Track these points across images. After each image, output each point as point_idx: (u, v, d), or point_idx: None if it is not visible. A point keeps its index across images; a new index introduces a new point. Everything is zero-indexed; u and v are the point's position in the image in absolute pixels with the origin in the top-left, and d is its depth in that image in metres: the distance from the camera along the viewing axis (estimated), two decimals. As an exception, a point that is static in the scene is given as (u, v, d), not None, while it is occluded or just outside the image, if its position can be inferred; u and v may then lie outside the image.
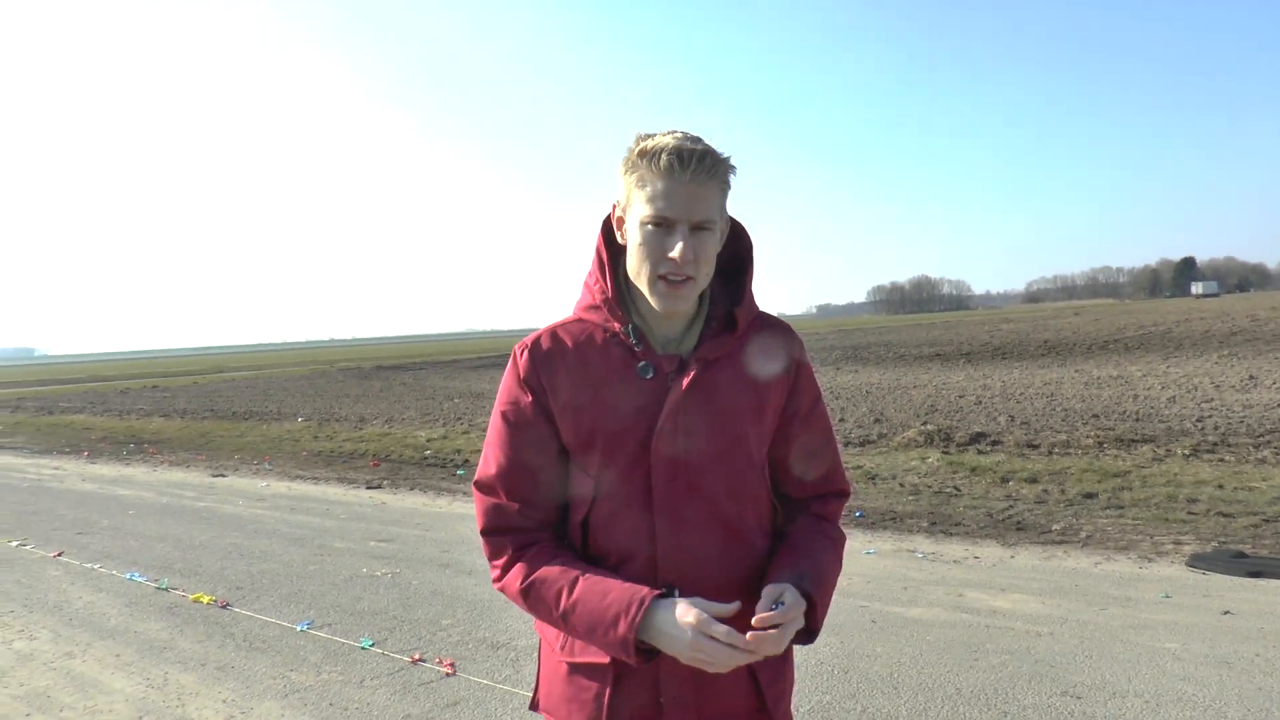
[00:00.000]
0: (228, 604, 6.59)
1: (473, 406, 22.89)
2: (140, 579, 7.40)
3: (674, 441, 1.70)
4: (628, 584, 1.62)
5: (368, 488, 11.93)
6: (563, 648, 1.77)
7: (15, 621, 6.42)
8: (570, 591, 1.65)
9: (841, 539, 1.89)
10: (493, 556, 1.77)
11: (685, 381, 1.71)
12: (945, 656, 4.97)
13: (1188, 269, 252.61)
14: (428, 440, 16.01)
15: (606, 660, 1.70)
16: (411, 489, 11.68)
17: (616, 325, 1.75)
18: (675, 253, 1.63)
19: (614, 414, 1.71)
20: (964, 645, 5.12)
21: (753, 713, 1.77)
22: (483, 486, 1.78)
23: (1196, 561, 6.49)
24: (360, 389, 34.00)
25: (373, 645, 5.56)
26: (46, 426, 24.94)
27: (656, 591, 1.61)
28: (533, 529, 1.76)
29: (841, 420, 15.45)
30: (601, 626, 1.60)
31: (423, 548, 8.15)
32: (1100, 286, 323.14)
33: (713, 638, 1.52)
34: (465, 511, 9.90)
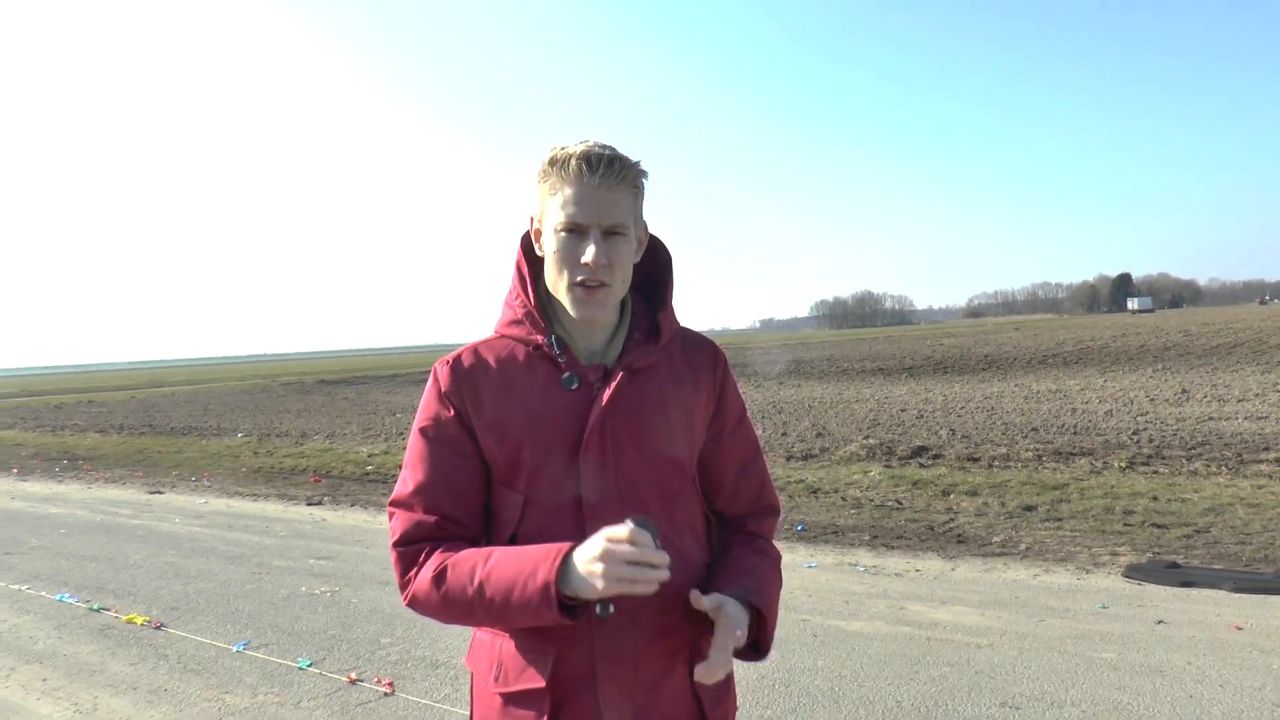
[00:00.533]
0: (162, 625, 6.44)
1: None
2: (71, 600, 7.22)
3: (602, 451, 1.67)
4: (544, 545, 1.59)
5: (308, 504, 11.76)
6: (496, 679, 1.71)
7: (-63, 645, 6.23)
8: (485, 563, 1.60)
9: (778, 557, 1.88)
10: (404, 567, 1.68)
11: (610, 390, 1.69)
12: (886, 669, 4.99)
13: (1124, 285, 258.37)
14: (369, 456, 15.83)
15: (542, 684, 1.64)
16: (352, 505, 11.53)
17: (539, 338, 1.73)
18: (588, 257, 1.62)
19: (540, 426, 1.68)
20: (905, 658, 5.15)
21: None
22: (400, 504, 1.72)
23: (1132, 572, 6.60)
24: (302, 404, 33.57)
25: (310, 665, 5.47)
26: (-25, 443, 24.30)
27: (575, 544, 1.56)
28: (450, 538, 1.69)
29: (784, 434, 15.54)
30: (520, 582, 1.55)
31: (363, 565, 8.04)
32: (1040, 302, 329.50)
33: (621, 542, 1.48)
34: (407, 528, 9.78)
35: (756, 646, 1.72)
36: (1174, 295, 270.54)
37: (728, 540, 1.85)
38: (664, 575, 1.50)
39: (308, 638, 6.03)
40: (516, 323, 1.76)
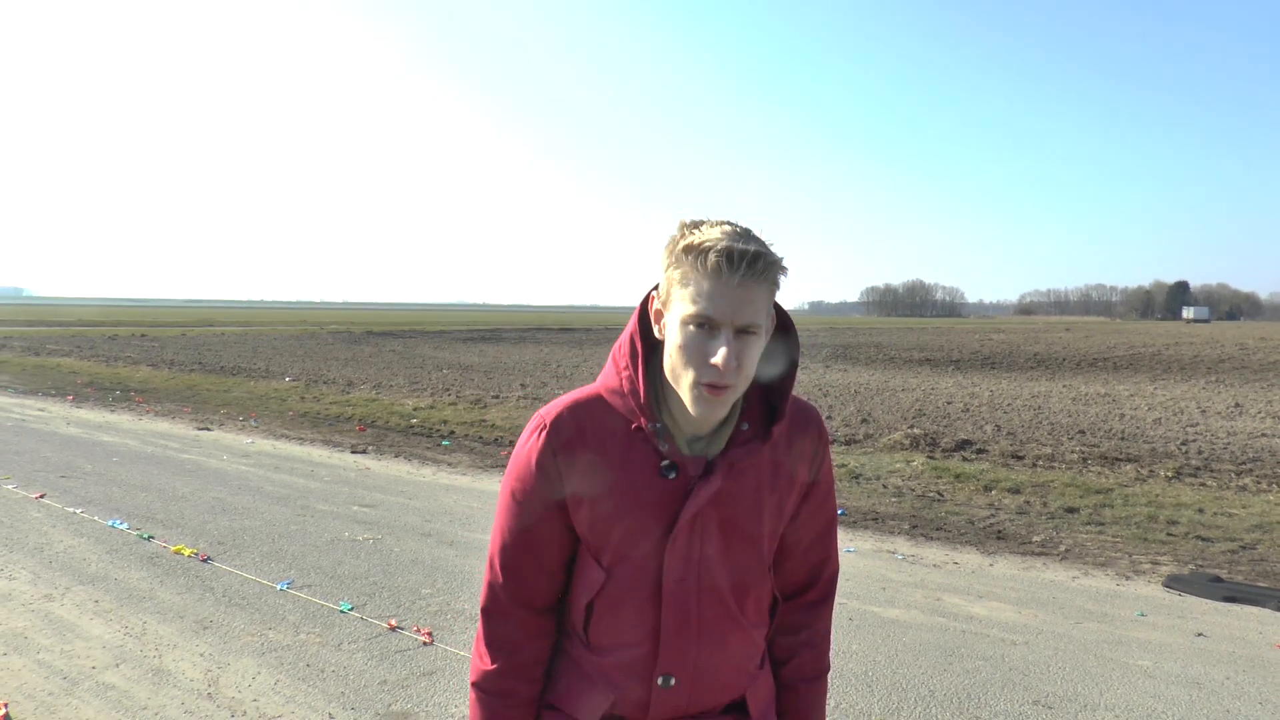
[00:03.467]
0: (209, 558, 6.60)
1: (461, 379, 22.88)
2: (122, 527, 7.40)
3: (689, 545, 1.67)
4: None
5: (352, 452, 11.93)
6: (549, 687, 1.82)
7: (-5, 560, 6.42)
8: None
9: (828, 663, 1.94)
10: (483, 636, 1.78)
11: (708, 490, 1.65)
12: (920, 658, 5.01)
13: (1180, 293, 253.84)
14: (415, 409, 16.01)
15: None
16: (396, 456, 11.68)
17: (643, 420, 1.65)
18: (718, 358, 1.52)
19: (633, 512, 1.66)
20: (939, 649, 5.16)
21: None
22: (491, 562, 1.78)
23: (1173, 583, 6.55)
24: (349, 353, 33.95)
25: (351, 609, 5.58)
26: (32, 367, 24.83)
27: None
28: (525, 621, 1.76)
29: (829, 418, 15.49)
30: None
31: (405, 516, 8.16)
32: (1093, 303, 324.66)
33: None
34: (450, 483, 9.92)
35: None
36: (1232, 307, 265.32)
37: (789, 625, 1.90)
38: None
39: (349, 582, 6.14)
40: (622, 395, 1.69)
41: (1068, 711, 4.36)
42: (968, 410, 17.30)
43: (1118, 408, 18.21)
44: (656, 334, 1.66)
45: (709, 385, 1.54)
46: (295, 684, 4.48)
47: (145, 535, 7.15)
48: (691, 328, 1.54)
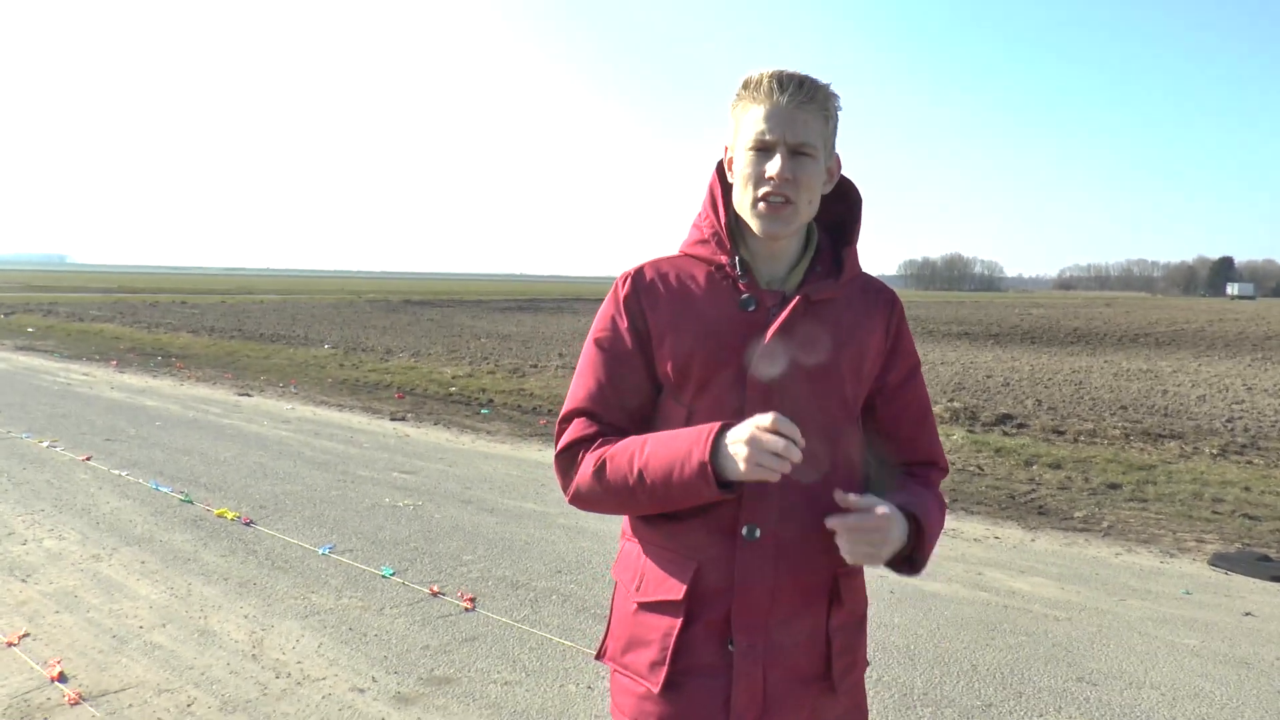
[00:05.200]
0: (251, 521, 6.67)
1: (499, 348, 22.96)
2: (166, 490, 7.49)
3: (769, 372, 1.69)
4: (696, 427, 1.65)
5: (392, 419, 12.00)
6: (637, 588, 1.76)
7: (46, 520, 6.53)
8: (642, 451, 1.66)
9: (944, 504, 1.87)
10: (563, 470, 1.77)
11: (785, 316, 1.70)
12: (963, 633, 4.97)
13: (1225, 269, 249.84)
14: (453, 377, 16.08)
15: (679, 597, 1.69)
16: (435, 424, 11.74)
17: (723, 258, 1.75)
18: (773, 170, 1.64)
19: (713, 342, 1.71)
20: (981, 623, 5.13)
21: (819, 678, 1.75)
22: (568, 416, 1.79)
23: (1219, 561, 6.46)
24: (387, 321, 34.16)
25: (393, 575, 5.62)
26: (76, 333, 25.20)
27: (728, 422, 1.62)
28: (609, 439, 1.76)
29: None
30: (677, 464, 1.61)
31: (445, 483, 8.21)
32: (1134, 279, 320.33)
33: (769, 431, 1.53)
34: (489, 450, 9.96)
35: (912, 561, 1.74)
36: (1279, 283, 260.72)
37: (891, 475, 1.87)
38: (786, 468, 1.53)
39: (390, 547, 6.19)
40: (703, 242, 1.79)
41: (1113, 689, 4.31)
42: (1008, 384, 17.14)
43: (1160, 384, 17.96)
44: (729, 177, 1.77)
45: (767, 200, 1.67)
46: (338, 647, 4.52)
47: (188, 498, 7.24)
48: (752, 152, 1.68)
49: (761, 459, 1.52)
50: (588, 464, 1.72)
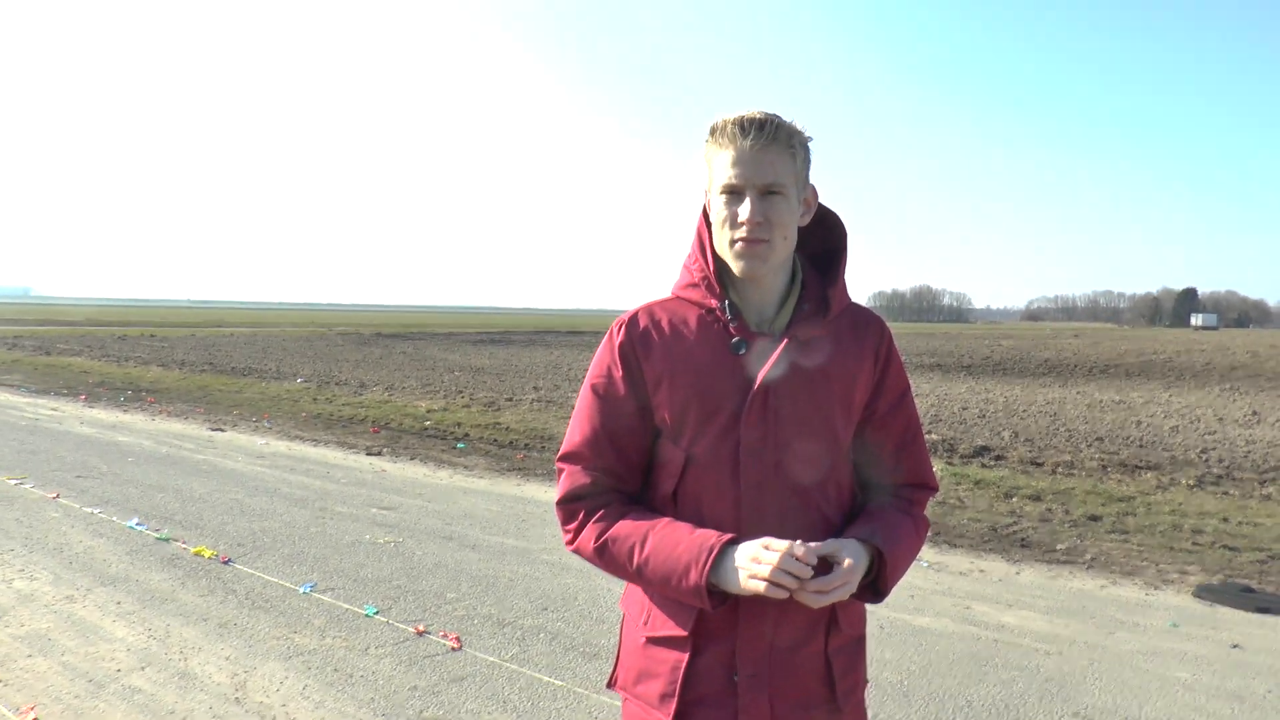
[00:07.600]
0: (229, 560, 6.54)
1: (473, 381, 22.83)
2: (141, 528, 7.35)
3: (763, 415, 1.75)
4: (696, 533, 1.71)
5: (368, 454, 11.87)
6: (644, 622, 1.83)
7: (16, 560, 6.38)
8: (642, 548, 1.73)
9: (925, 525, 1.95)
10: (565, 521, 1.84)
11: (775, 357, 1.76)
12: (955, 668, 4.94)
13: (1189, 300, 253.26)
14: (428, 411, 15.96)
15: (685, 633, 1.76)
16: (412, 459, 11.62)
17: (713, 301, 1.81)
18: (744, 215, 1.70)
19: (707, 387, 1.77)
20: (972, 658, 5.09)
21: (824, 702, 1.81)
22: (567, 459, 1.85)
23: (1204, 592, 6.46)
24: (359, 354, 33.94)
25: (377, 613, 5.52)
26: (44, 367, 24.84)
27: (726, 537, 1.68)
28: (608, 493, 1.83)
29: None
30: (675, 577, 1.69)
31: (425, 519, 8.11)
32: (1100, 310, 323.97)
33: (768, 549, 1.62)
34: (467, 485, 9.86)
35: (875, 587, 1.80)
36: (1240, 314, 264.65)
37: (875, 500, 1.93)
38: (795, 585, 1.62)
39: (373, 585, 6.09)
40: (693, 285, 1.85)
41: (1109, 724, 4.28)
42: (984, 416, 17.21)
43: (1134, 415, 18.10)
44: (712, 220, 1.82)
45: (743, 241, 1.71)
46: (324, 689, 4.42)
47: (164, 536, 7.10)
48: (724, 196, 1.74)
49: (768, 581, 1.61)
50: (589, 536, 1.80)
